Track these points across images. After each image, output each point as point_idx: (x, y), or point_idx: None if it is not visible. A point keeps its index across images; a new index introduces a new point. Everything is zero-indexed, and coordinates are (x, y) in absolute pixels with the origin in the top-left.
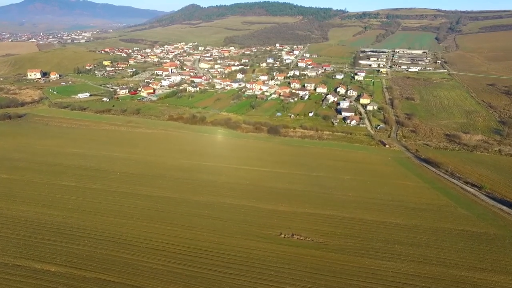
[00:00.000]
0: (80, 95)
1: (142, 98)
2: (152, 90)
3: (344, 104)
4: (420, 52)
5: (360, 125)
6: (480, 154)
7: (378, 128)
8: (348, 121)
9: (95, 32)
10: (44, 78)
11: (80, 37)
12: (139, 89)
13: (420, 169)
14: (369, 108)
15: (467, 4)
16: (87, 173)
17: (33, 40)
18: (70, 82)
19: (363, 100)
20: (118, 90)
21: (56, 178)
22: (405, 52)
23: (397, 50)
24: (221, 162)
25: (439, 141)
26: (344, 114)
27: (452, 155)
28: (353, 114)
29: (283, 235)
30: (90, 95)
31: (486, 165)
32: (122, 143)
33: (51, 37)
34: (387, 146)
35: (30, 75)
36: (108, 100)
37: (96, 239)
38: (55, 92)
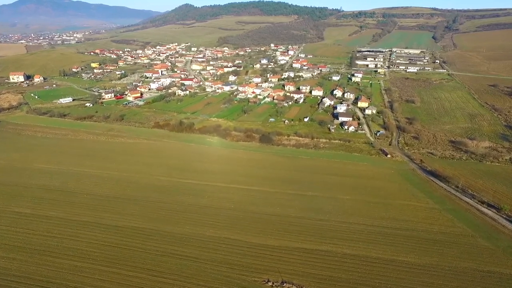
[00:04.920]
0: (62, 100)
1: (128, 103)
2: (139, 94)
3: (341, 108)
4: (417, 51)
5: (359, 131)
6: (490, 165)
7: (378, 134)
8: (346, 127)
9: (87, 33)
10: (27, 82)
11: (71, 38)
12: (126, 92)
13: (428, 185)
14: (368, 112)
15: (463, 3)
16: (49, 196)
17: (22, 41)
18: (55, 85)
19: (361, 104)
20: (103, 94)
21: (10, 203)
22: (403, 52)
23: (394, 49)
24: (204, 179)
25: (444, 149)
26: (341, 119)
27: (461, 166)
28: (350, 119)
29: (270, 283)
30: (73, 100)
31: (500, 179)
32: (97, 156)
33: (41, 38)
34: (388, 155)
35: (13, 78)
36: (91, 105)
37: None
38: (36, 97)
